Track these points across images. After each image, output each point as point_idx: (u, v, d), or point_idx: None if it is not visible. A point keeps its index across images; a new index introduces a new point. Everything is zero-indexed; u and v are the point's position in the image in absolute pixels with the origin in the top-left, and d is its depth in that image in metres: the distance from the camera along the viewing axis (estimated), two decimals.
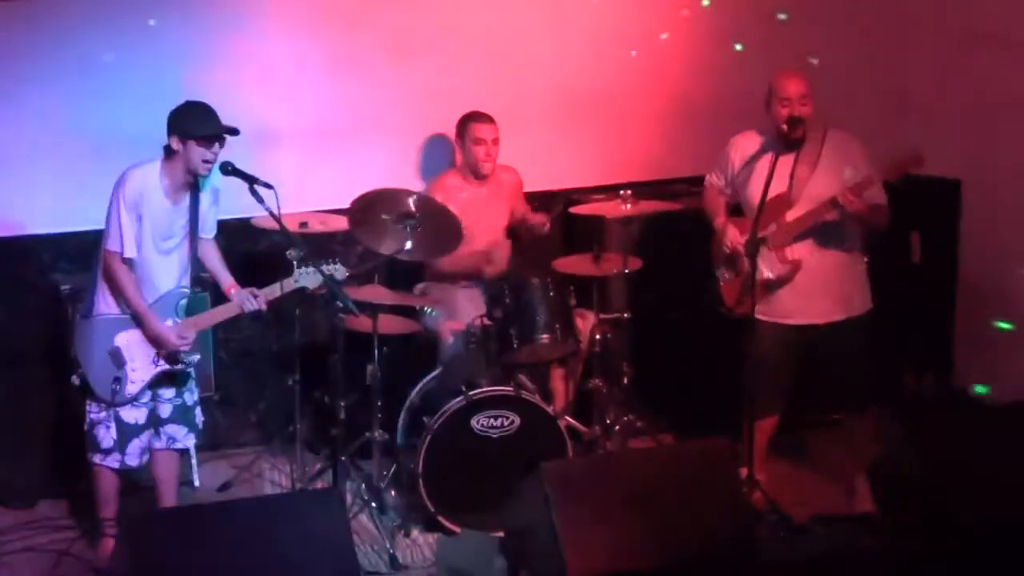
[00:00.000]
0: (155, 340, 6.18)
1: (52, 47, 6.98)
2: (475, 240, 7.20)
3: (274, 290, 6.23)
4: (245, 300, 6.22)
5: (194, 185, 6.17)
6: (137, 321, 6.17)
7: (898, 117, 7.90)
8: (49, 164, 7.04)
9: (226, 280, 6.32)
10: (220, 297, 6.39)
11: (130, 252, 6.11)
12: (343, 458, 6.72)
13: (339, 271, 6.28)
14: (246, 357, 7.52)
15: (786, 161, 6.55)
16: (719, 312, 6.81)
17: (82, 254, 7.10)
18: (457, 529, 6.54)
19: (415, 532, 6.61)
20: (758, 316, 6.53)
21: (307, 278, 6.21)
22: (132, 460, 6.28)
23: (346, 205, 7.20)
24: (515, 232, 7.39)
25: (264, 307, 6.25)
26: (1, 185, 7.02)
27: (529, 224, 7.27)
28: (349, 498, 6.56)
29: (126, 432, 6.23)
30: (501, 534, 6.16)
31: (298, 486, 6.95)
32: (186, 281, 6.27)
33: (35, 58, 6.97)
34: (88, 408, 6.25)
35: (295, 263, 6.28)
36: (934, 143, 7.13)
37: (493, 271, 7.20)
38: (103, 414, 6.21)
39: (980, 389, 7.60)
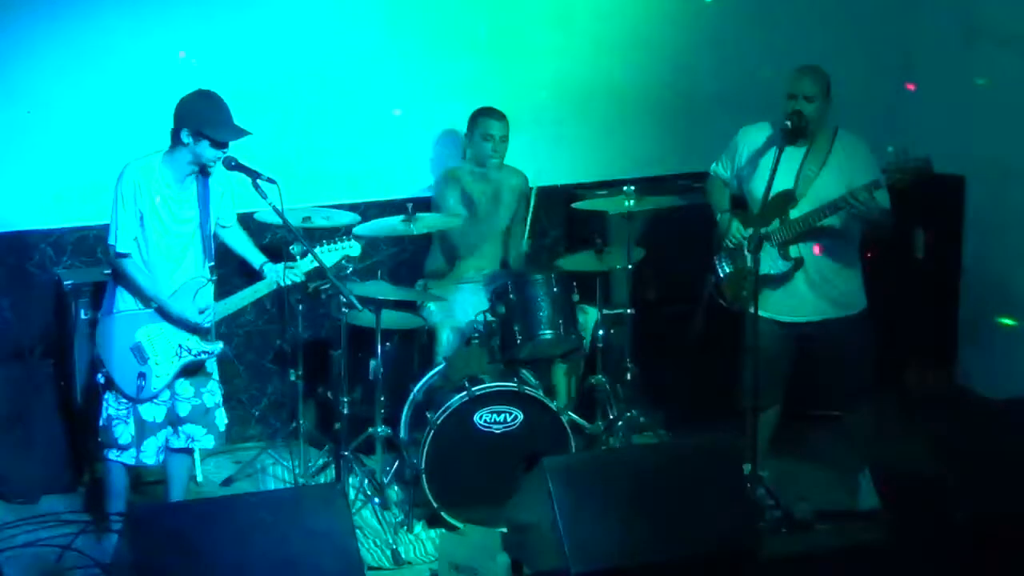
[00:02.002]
0: (179, 323, 6.16)
1: (54, 41, 6.97)
2: (472, 236, 7.21)
3: (312, 260, 6.23)
4: (284, 273, 6.21)
5: (202, 173, 6.16)
6: (159, 311, 6.16)
7: (902, 113, 7.90)
8: (51, 159, 7.04)
9: (257, 259, 6.31)
10: (224, 291, 6.37)
11: (123, 247, 6.09)
12: (346, 453, 6.72)
13: (353, 247, 6.28)
14: (249, 352, 7.52)
15: (794, 156, 6.54)
16: (718, 303, 6.81)
17: (85, 249, 7.12)
18: (460, 525, 6.55)
19: (418, 527, 6.61)
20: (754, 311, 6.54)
21: (351, 248, 6.24)
22: (148, 458, 6.26)
23: (350, 200, 7.22)
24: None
25: (302, 278, 6.25)
26: (3, 180, 7.02)
27: None
28: (352, 493, 6.57)
29: (144, 429, 6.21)
30: (504, 530, 6.16)
31: (301, 481, 6.95)
32: (204, 270, 6.24)
33: (37, 53, 6.96)
34: (105, 403, 6.23)
35: (298, 256, 6.28)
36: (938, 140, 7.13)
37: (482, 264, 7.20)
38: (123, 410, 6.20)
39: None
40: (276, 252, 6.52)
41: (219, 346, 6.29)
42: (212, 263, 6.23)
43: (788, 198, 6.55)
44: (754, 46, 7.83)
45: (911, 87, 8.01)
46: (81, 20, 7.01)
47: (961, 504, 5.62)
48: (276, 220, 6.21)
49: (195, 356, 6.22)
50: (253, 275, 6.35)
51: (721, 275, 6.80)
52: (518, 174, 7.40)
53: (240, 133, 6.03)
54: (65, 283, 6.92)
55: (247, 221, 6.86)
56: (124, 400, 6.17)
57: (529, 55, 7.70)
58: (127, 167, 6.10)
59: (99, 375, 6.22)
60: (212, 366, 6.37)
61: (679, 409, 7.45)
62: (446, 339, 7.02)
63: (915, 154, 6.35)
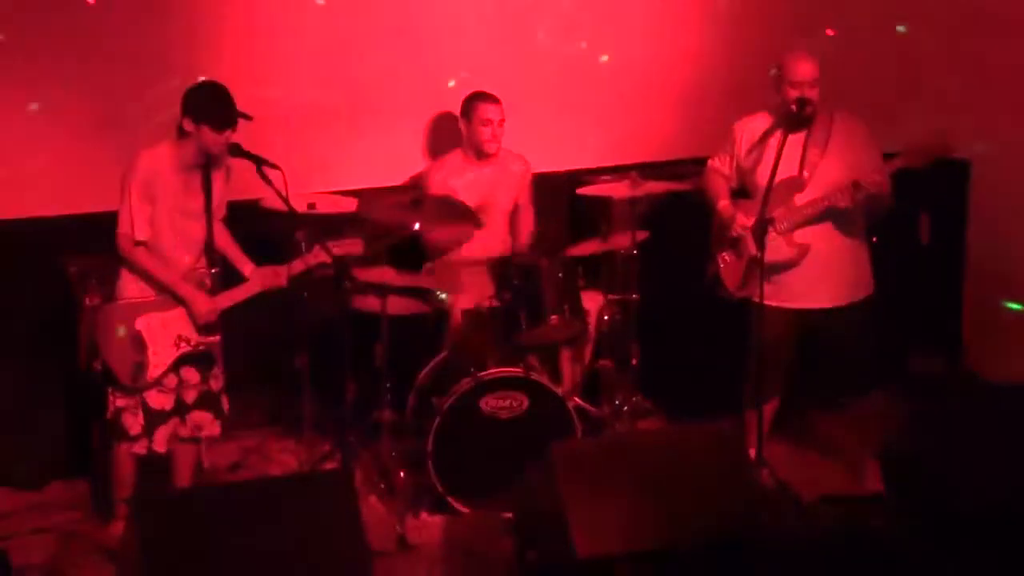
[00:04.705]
0: (188, 307, 6.16)
1: (56, 30, 6.96)
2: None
3: (295, 266, 6.23)
4: (266, 278, 6.21)
5: (206, 165, 6.16)
6: (173, 296, 6.15)
7: (907, 97, 7.89)
8: (55, 145, 7.03)
9: (243, 261, 6.32)
10: (232, 278, 6.37)
11: (140, 235, 6.11)
12: (351, 439, 6.72)
13: (355, 245, 6.27)
14: (254, 338, 7.51)
15: (796, 143, 6.54)
16: (719, 295, 6.81)
17: (90, 236, 7.08)
18: (466, 510, 6.55)
19: (424, 513, 6.62)
20: (761, 301, 6.53)
21: (352, 246, 6.23)
22: (159, 446, 6.27)
23: (354, 186, 7.21)
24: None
25: (285, 283, 6.25)
26: (8, 167, 7.01)
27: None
28: (358, 479, 6.57)
29: (153, 418, 6.22)
30: (510, 515, 6.16)
31: (306, 467, 6.96)
32: (203, 262, 6.26)
33: (39, 41, 6.96)
34: (112, 396, 6.23)
35: (303, 244, 6.30)
36: (943, 123, 7.11)
37: (488, 245, 7.18)
38: (130, 401, 6.20)
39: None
40: (280, 240, 6.53)
41: (217, 337, 6.29)
42: (216, 255, 6.24)
43: (794, 185, 6.54)
44: (758, 30, 7.82)
45: (918, 70, 7.99)
46: (82, 7, 7.00)
47: (966, 489, 5.62)
48: (281, 206, 6.21)
49: (193, 347, 6.22)
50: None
51: (722, 265, 6.79)
52: (518, 158, 7.38)
53: (239, 116, 6.04)
54: (70, 270, 6.92)
55: (252, 208, 6.88)
56: (131, 392, 6.17)
57: (533, 40, 7.68)
58: (140, 154, 6.11)
59: (95, 362, 6.23)
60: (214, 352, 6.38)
61: (683, 394, 7.44)
62: (459, 321, 7.01)
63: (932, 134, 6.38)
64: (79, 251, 7.09)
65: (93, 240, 7.05)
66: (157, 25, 7.08)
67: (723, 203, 6.79)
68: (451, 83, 7.52)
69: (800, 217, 6.55)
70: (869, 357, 6.68)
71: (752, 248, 6.56)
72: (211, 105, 6.03)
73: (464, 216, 6.95)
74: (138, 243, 6.12)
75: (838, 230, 6.60)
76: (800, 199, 6.57)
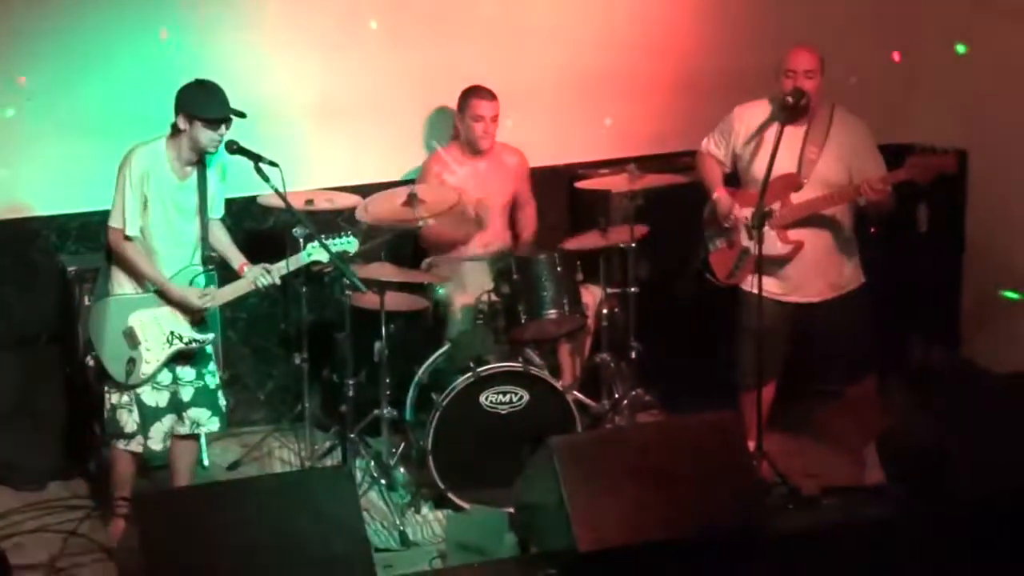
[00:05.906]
0: (180, 306, 6.16)
1: (55, 28, 6.96)
2: (469, 214, 7.20)
3: (287, 264, 6.23)
4: (259, 276, 6.20)
5: (201, 162, 6.16)
6: (160, 294, 6.15)
7: (905, 88, 7.88)
8: (54, 145, 7.04)
9: (237, 258, 6.31)
10: (228, 276, 6.38)
11: (131, 230, 6.09)
12: (352, 436, 6.73)
13: (351, 243, 6.27)
14: (254, 336, 7.52)
15: (794, 137, 6.53)
16: (706, 281, 6.82)
17: (88, 235, 7.12)
18: (467, 505, 6.55)
19: (425, 509, 6.62)
20: (753, 290, 6.53)
21: (319, 252, 6.21)
22: (156, 444, 6.25)
23: (352, 182, 7.21)
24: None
25: (278, 282, 6.24)
26: (7, 167, 7.02)
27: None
28: (359, 475, 6.57)
29: (148, 415, 6.20)
30: (511, 510, 6.16)
31: (307, 464, 6.96)
32: (197, 259, 6.25)
33: (38, 40, 6.96)
34: (107, 393, 6.23)
35: (301, 240, 6.30)
36: (940, 114, 7.13)
37: (486, 240, 7.18)
38: (124, 398, 6.20)
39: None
40: (277, 236, 6.52)
41: (211, 335, 6.28)
42: (211, 253, 6.24)
43: (791, 182, 6.54)
44: (754, 22, 7.81)
45: (915, 61, 7.99)
46: (80, 6, 7.00)
47: (966, 478, 5.63)
48: (279, 203, 6.21)
49: (186, 344, 6.21)
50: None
51: (712, 252, 6.80)
52: (513, 152, 7.38)
53: (231, 112, 6.04)
54: (69, 269, 6.93)
55: (250, 204, 6.88)
56: (125, 388, 6.17)
57: (531, 34, 7.68)
58: (134, 151, 6.11)
59: (88, 357, 6.23)
60: (210, 348, 6.37)
61: (682, 387, 7.44)
62: (458, 317, 7.02)
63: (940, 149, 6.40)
64: (79, 251, 7.11)
65: (92, 239, 7.08)
66: (155, 24, 7.08)
67: (719, 191, 6.79)
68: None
69: (796, 215, 6.56)
70: (865, 345, 6.69)
71: (744, 239, 6.57)
72: (204, 102, 6.02)
73: (468, 222, 6.98)
74: (128, 238, 6.11)
75: (825, 226, 6.61)
76: (797, 197, 6.57)
